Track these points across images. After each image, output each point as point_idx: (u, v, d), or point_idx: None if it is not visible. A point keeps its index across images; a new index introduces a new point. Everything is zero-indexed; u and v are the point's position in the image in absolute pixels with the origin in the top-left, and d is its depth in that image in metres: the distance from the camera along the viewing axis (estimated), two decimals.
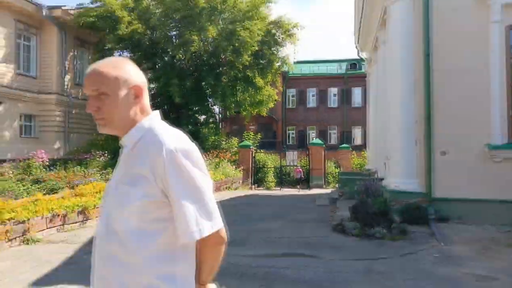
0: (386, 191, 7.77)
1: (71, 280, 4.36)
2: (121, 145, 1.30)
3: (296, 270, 4.79)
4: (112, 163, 11.35)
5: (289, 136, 32.80)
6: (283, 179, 19.08)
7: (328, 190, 15.75)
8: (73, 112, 17.32)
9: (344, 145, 22.87)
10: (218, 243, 1.22)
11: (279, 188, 17.73)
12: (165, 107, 19.72)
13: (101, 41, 17.45)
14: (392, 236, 6.25)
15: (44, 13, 15.53)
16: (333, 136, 32.19)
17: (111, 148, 13.76)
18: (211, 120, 21.87)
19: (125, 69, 1.24)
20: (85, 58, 18.54)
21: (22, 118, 15.59)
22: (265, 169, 19.24)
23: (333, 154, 21.47)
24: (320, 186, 17.87)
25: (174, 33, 17.90)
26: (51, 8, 16.02)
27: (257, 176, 18.69)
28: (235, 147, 18.87)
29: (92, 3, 17.18)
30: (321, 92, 32.24)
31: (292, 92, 32.51)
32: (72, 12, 16.72)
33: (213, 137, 19.39)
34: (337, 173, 18.03)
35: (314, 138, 26.74)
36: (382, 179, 8.98)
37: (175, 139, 1.19)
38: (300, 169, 18.95)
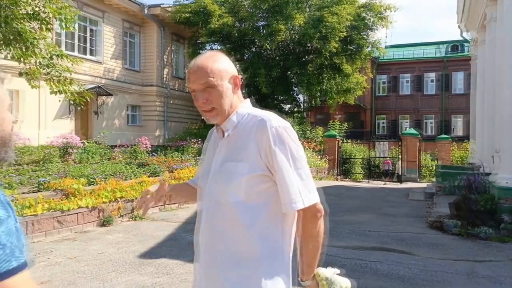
0: (494, 187, 6.94)
1: (172, 255, 4.81)
2: (214, 131, 1.45)
3: (388, 265, 4.58)
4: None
5: (379, 126, 31.05)
6: (371, 171, 18.26)
7: (423, 184, 14.66)
8: (171, 102, 18.81)
9: (443, 135, 20.86)
10: (318, 216, 1.28)
11: (367, 181, 17.02)
12: (252, 97, 20.28)
13: (195, 35, 18.52)
14: (501, 237, 5.59)
15: (146, 12, 17.02)
16: (430, 126, 29.62)
17: (204, 136, 14.58)
18: (296, 110, 21.79)
19: (224, 61, 1.33)
20: (181, 52, 19.92)
21: (129, 108, 17.43)
22: (352, 160, 18.59)
23: (429, 146, 19.80)
24: (414, 180, 16.69)
25: (262, 23, 18.13)
26: (151, 6, 17.50)
27: (343, 167, 18.17)
28: (320, 136, 18.56)
29: None
30: (416, 78, 29.80)
31: (383, 78, 30.60)
32: (169, 9, 18.03)
33: (297, 127, 19.36)
34: (434, 166, 16.62)
35: (407, 128, 24.98)
36: (488, 174, 8.02)
37: (275, 117, 1.29)
38: (389, 161, 17.90)
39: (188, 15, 17.03)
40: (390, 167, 17.66)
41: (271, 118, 1.28)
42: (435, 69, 29.23)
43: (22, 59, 5.39)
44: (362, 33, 18.28)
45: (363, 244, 5.56)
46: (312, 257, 1.30)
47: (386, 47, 21.21)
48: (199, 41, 18.54)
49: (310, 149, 16.63)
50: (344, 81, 18.72)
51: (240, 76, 1.37)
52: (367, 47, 18.89)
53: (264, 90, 17.01)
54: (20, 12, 5.26)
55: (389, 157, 18.47)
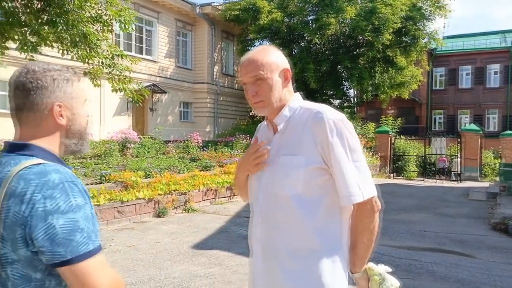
0: None
1: (223, 247, 4.94)
2: (264, 125, 1.45)
3: (445, 267, 4.35)
4: None
5: (435, 121, 29.30)
6: (427, 169, 17.36)
7: (485, 184, 13.69)
8: (221, 99, 19.22)
9: (507, 131, 19.28)
10: (375, 210, 1.27)
11: (422, 179, 16.24)
12: (300, 93, 20.02)
13: (244, 32, 18.73)
14: None
15: (197, 11, 17.51)
16: (492, 121, 27.46)
17: (253, 132, 14.77)
18: (346, 105, 21.26)
19: (274, 55, 1.34)
20: (230, 49, 20.24)
21: (181, 105, 18.08)
22: (406, 157, 17.77)
23: (492, 142, 18.41)
24: (474, 179, 15.64)
25: (311, 17, 17.89)
26: (202, 5, 17.96)
27: (396, 164, 17.45)
28: (372, 132, 17.96)
29: None
30: (477, 70, 27.73)
31: (440, 71, 28.78)
32: (220, 7, 18.38)
33: None
34: (497, 165, 15.44)
35: (467, 124, 23.40)
36: None
37: (330, 110, 1.28)
38: (445, 158, 16.92)
39: (237, 13, 17.25)
40: (446, 164, 16.69)
41: (327, 110, 1.27)
42: (499, 60, 26.97)
43: (86, 59, 5.82)
44: (418, 24, 17.39)
45: (419, 245, 5.33)
46: (366, 251, 1.30)
47: (444, 38, 19.99)
48: (248, 38, 18.73)
49: (361, 145, 16.16)
50: (398, 75, 17.93)
51: (291, 69, 1.37)
52: (423, 38, 17.94)
53: (313, 85, 16.80)
54: (85, 15, 5.67)
55: (447, 155, 17.42)
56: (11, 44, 5.49)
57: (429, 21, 17.69)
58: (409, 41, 17.78)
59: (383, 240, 5.44)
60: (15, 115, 1.02)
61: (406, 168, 17.42)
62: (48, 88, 1.01)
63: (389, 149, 16.85)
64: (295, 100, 1.36)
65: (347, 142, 1.24)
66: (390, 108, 24.85)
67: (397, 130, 18.50)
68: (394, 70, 17.85)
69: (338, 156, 1.22)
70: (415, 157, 18.09)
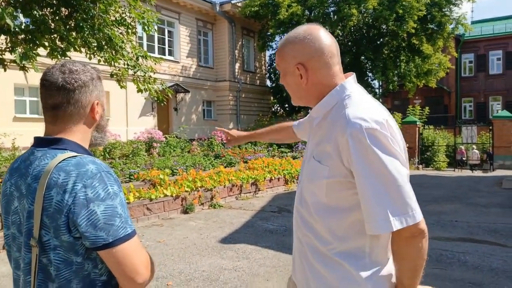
0: None
1: (249, 241, 5.00)
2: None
3: (478, 257, 4.24)
4: None
5: (464, 109, 28.27)
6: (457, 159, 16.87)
7: None
8: (243, 96, 19.30)
9: None
10: (415, 236, 1.03)
11: (452, 169, 15.76)
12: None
13: (264, 28, 18.69)
14: None
15: (217, 9, 17.62)
16: None
17: None
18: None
19: (289, 47, 1.19)
20: (251, 46, 20.27)
21: (204, 103, 18.30)
22: (435, 147, 17.29)
23: None
24: (508, 167, 15.04)
25: (332, 9, 17.63)
26: (222, 3, 18.05)
27: (424, 155, 17.01)
28: (398, 123, 17.49)
29: None
30: (508, 55, 26.51)
31: (469, 57, 27.71)
32: (239, 4, 18.42)
33: None
34: None
35: (498, 111, 22.45)
36: None
37: (363, 114, 1.04)
38: (463, 150, 16.68)
39: (257, 9, 17.24)
40: (464, 156, 16.49)
41: (357, 117, 1.04)
42: None
43: (112, 62, 6.01)
44: (444, 9, 16.80)
45: (449, 235, 5.20)
46: (408, 279, 1.08)
47: (472, 22, 19.24)
48: (268, 33, 18.68)
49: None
50: (424, 63, 17.40)
51: (323, 54, 1.17)
52: (450, 24, 17.31)
53: None
54: (110, 19, 5.85)
55: (478, 143, 16.89)
56: (41, 50, 5.73)
57: (455, 6, 17.05)
58: (435, 27, 17.22)
59: None
60: (51, 112, 1.06)
61: (435, 158, 16.97)
62: (89, 86, 1.09)
63: (416, 139, 16.44)
64: (339, 89, 1.15)
65: (374, 159, 1.01)
66: (416, 97, 24.20)
67: (424, 120, 18.01)
68: (420, 59, 17.34)
69: (361, 177, 1.02)
70: (445, 147, 17.56)
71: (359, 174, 1.02)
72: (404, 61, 17.53)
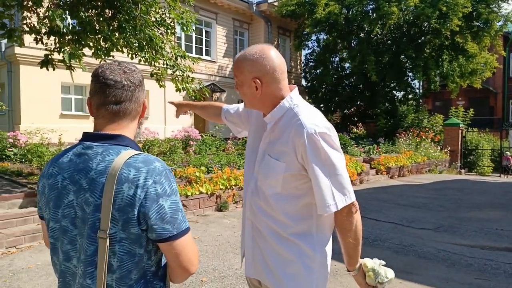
0: None
1: None
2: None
3: None
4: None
5: None
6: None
7: None
8: None
9: None
10: (353, 211, 1.35)
11: (498, 174, 14.89)
12: (360, 86, 19.38)
13: (300, 27, 18.54)
14: None
15: (254, 9, 17.70)
16: None
17: None
18: (410, 97, 20.13)
19: (246, 62, 1.38)
20: (286, 45, 20.18)
21: (239, 103, 18.41)
22: (479, 151, 16.40)
23: None
24: None
25: (371, 7, 17.19)
26: (259, 3, 18.11)
27: (467, 159, 16.18)
28: (440, 125, 16.80)
29: None
30: None
31: None
32: (275, 3, 18.41)
33: (413, 115, 17.87)
34: None
35: None
36: None
37: (314, 121, 1.32)
38: (509, 157, 15.66)
39: (293, 8, 17.14)
40: (510, 162, 15.52)
41: (310, 123, 1.31)
42: None
43: (152, 62, 6.20)
44: (491, 6, 15.91)
45: (494, 244, 4.92)
46: (354, 250, 1.39)
47: None
48: (304, 33, 18.51)
49: (427, 139, 15.23)
50: (469, 62, 16.55)
51: (272, 72, 1.37)
52: (498, 21, 16.36)
53: (374, 78, 16.14)
54: (150, 20, 6.05)
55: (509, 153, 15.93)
56: (86, 50, 6.03)
57: (504, 2, 16.09)
58: (481, 25, 16.34)
59: (453, 238, 5.12)
60: (110, 109, 1.09)
61: (479, 163, 16.09)
62: (143, 85, 1.17)
63: (459, 142, 15.66)
64: (289, 99, 1.40)
65: (325, 156, 1.30)
66: (459, 98, 23.11)
67: (468, 122, 17.14)
68: (464, 58, 16.52)
69: (316, 170, 1.30)
70: (490, 151, 16.63)
71: (313, 167, 1.30)
72: (447, 60, 16.77)
